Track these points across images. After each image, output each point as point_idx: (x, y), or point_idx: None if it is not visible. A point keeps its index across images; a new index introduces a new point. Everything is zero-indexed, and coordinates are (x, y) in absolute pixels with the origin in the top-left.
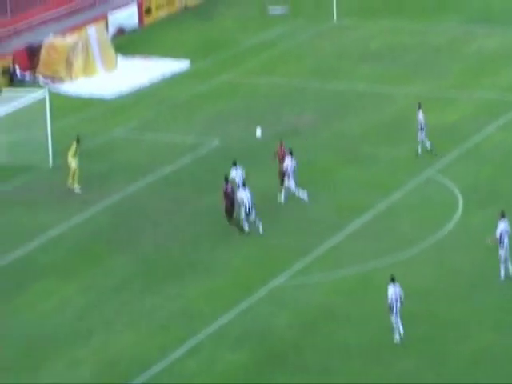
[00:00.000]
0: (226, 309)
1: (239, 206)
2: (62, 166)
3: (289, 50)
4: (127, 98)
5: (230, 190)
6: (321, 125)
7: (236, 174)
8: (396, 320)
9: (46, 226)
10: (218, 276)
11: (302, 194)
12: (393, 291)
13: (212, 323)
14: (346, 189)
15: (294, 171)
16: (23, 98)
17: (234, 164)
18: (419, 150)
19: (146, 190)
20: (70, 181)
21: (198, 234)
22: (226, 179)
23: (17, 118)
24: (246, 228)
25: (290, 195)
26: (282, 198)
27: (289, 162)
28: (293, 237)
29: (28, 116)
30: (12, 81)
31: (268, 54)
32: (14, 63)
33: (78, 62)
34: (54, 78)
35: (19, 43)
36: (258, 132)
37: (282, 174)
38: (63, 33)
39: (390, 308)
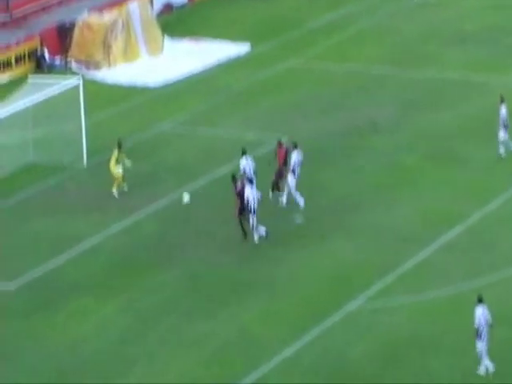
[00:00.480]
0: (291, 336)
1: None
2: (97, 165)
3: (364, 31)
4: (175, 87)
5: (240, 188)
6: (403, 119)
7: (246, 164)
8: (482, 349)
9: (80, 236)
10: (280, 296)
11: (299, 199)
12: (481, 313)
13: (274, 354)
14: (433, 194)
15: (299, 167)
16: (53, 86)
17: (244, 153)
18: (502, 152)
19: (198, 194)
20: (114, 189)
21: (256, 247)
22: (234, 178)
23: (45, 110)
24: (261, 233)
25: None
26: (283, 200)
27: (295, 157)
28: (370, 250)
29: (58, 108)
30: (40, 66)
31: (340, 35)
32: (42, 45)
33: (117, 45)
34: (89, 63)
35: (48, 22)
36: (186, 198)
37: (278, 175)
38: (100, 9)
39: (478, 333)
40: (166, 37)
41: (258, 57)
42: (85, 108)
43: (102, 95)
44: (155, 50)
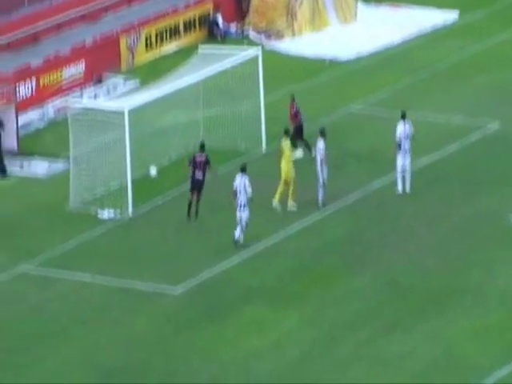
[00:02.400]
0: (504, 357)
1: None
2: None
3: None
4: (369, 62)
5: None
6: None
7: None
8: None
9: (255, 234)
10: (492, 310)
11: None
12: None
13: (486, 376)
14: None
15: (326, 159)
16: (227, 58)
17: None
18: None
19: (394, 187)
20: (276, 197)
21: (464, 249)
22: (243, 170)
23: (218, 87)
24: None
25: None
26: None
27: (321, 146)
28: None
29: (233, 84)
30: (212, 34)
31: None
32: (215, 10)
33: (302, 11)
34: (270, 32)
35: None
36: (153, 171)
37: (297, 131)
38: None
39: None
40: (359, 2)
41: (467, 27)
42: (264, 84)
43: (284, 69)
44: (347, 17)
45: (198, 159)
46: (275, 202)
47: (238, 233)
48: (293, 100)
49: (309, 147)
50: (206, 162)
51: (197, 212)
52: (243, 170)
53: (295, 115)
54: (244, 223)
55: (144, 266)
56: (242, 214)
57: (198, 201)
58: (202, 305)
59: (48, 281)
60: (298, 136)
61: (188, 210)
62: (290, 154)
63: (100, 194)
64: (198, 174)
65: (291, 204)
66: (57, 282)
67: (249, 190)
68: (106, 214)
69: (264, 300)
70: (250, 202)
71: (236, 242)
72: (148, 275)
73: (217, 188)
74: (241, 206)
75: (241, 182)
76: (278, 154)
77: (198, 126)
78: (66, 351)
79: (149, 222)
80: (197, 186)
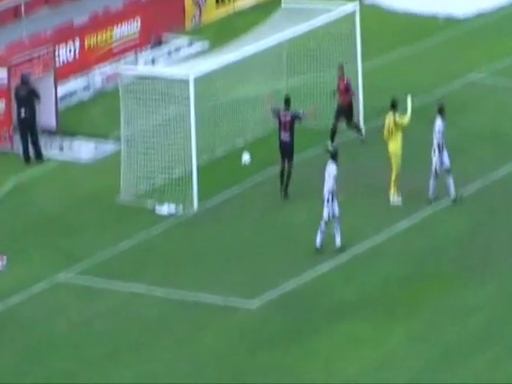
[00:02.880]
0: None
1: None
2: (374, 131)
3: None
4: (492, 19)
5: None
6: None
7: None
8: None
9: (351, 234)
10: None
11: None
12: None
13: None
14: None
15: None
16: (317, 15)
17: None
18: None
19: None
20: (392, 191)
21: None
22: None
23: (305, 49)
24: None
25: None
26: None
27: (440, 124)
28: None
29: (324, 45)
30: None
31: None
32: None
33: None
34: None
35: None
36: (246, 157)
37: (344, 110)
38: None
39: None
40: None
41: None
42: (362, 48)
43: (387, 29)
44: None
45: (283, 119)
46: (393, 196)
47: (319, 238)
48: (342, 70)
49: (359, 129)
50: (293, 120)
51: (286, 188)
52: (333, 156)
53: (345, 90)
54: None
55: (212, 274)
56: (333, 210)
57: (288, 173)
58: (284, 321)
59: (94, 292)
60: (348, 116)
61: (281, 181)
62: (391, 127)
63: (158, 184)
64: (285, 136)
65: (395, 197)
66: (104, 294)
67: (330, 181)
68: (165, 208)
69: (362, 314)
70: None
71: (317, 249)
72: (218, 285)
73: (302, 175)
74: (328, 201)
75: (328, 171)
76: (385, 133)
77: (281, 99)
78: (118, 377)
79: (218, 219)
80: (285, 151)
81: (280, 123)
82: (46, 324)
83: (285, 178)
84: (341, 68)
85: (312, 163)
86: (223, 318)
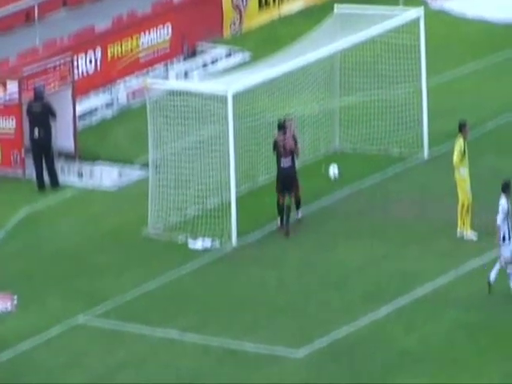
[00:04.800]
0: None
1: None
2: (439, 156)
3: None
4: None
5: None
6: None
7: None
8: None
9: (414, 273)
10: None
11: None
12: None
13: None
14: None
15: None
16: (375, 22)
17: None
18: None
19: None
20: (459, 223)
21: None
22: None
23: (361, 61)
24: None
25: None
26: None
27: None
28: None
29: (383, 58)
30: None
31: None
32: None
33: None
34: None
35: None
36: (333, 171)
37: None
38: None
39: None
40: None
41: None
42: (427, 60)
43: (457, 39)
44: None
45: (286, 143)
46: (465, 230)
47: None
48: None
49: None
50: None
51: (287, 220)
52: (505, 188)
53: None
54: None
55: (254, 320)
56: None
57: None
58: (334, 374)
59: (117, 337)
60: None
61: (281, 220)
62: (460, 153)
63: (191, 216)
64: (285, 162)
65: (468, 231)
66: (130, 340)
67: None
68: (199, 243)
69: (425, 368)
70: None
71: (489, 284)
72: (259, 332)
73: (357, 206)
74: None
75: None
76: (455, 158)
77: (333, 120)
78: None
79: (260, 256)
80: (285, 181)
81: (279, 147)
82: (62, 375)
83: (288, 209)
84: (288, 121)
85: (367, 194)
86: (266, 369)
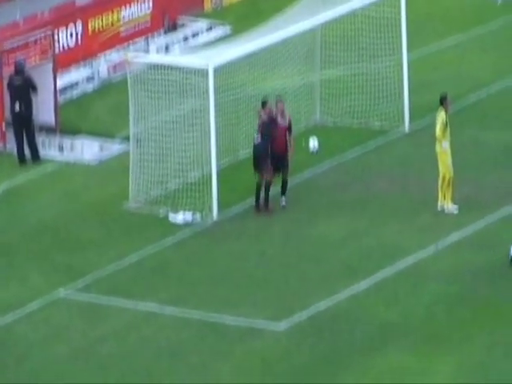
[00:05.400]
0: None
1: None
2: (420, 130)
3: None
4: None
5: None
6: None
7: None
8: None
9: (396, 248)
10: None
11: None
12: None
13: None
14: None
15: None
16: None
17: None
18: None
19: None
20: (440, 195)
21: None
22: None
23: (342, 35)
24: None
25: None
26: None
27: None
28: None
29: (364, 31)
30: None
31: None
32: None
33: None
34: None
35: None
36: (312, 143)
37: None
38: None
39: None
40: None
41: None
42: (408, 33)
43: (437, 11)
44: None
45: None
46: (447, 203)
47: None
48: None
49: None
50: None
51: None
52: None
53: (284, 131)
54: None
55: (235, 293)
56: None
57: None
58: (315, 347)
59: (98, 311)
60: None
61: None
62: (442, 126)
63: (172, 189)
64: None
65: (449, 205)
66: (111, 314)
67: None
68: (180, 217)
69: (406, 341)
70: None
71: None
72: (240, 305)
73: (338, 179)
74: None
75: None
76: (438, 132)
77: (314, 94)
78: None
79: (241, 229)
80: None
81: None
82: (44, 348)
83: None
84: (280, 102)
85: (348, 167)
86: (246, 343)
